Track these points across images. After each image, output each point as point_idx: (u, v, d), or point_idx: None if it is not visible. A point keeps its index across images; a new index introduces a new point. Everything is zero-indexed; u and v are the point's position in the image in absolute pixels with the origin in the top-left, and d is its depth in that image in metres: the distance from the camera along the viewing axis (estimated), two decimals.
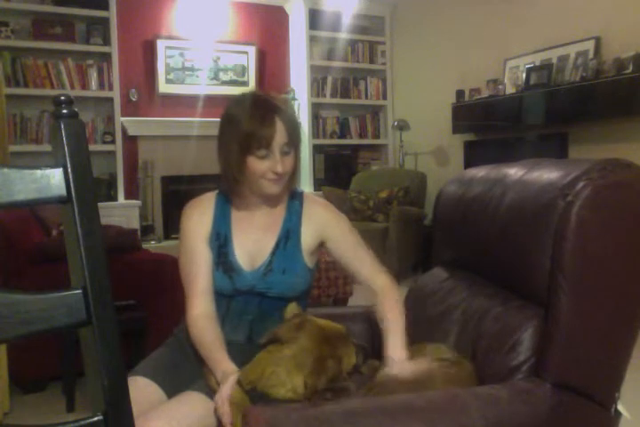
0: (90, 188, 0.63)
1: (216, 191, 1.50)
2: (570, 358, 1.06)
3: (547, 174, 1.17)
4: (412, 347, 1.39)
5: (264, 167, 1.34)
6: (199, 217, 1.45)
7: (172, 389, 1.31)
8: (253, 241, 1.43)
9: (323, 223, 1.46)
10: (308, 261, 1.45)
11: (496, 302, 1.26)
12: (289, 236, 1.43)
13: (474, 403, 1.01)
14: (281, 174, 1.35)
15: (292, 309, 1.37)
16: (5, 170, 0.59)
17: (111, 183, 5.02)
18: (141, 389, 1.29)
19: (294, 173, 1.40)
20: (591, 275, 1.07)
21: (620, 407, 1.10)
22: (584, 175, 1.08)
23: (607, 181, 1.07)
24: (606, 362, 1.09)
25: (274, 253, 1.42)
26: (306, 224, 1.45)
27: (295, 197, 1.49)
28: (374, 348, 1.61)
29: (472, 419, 0.99)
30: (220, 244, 1.42)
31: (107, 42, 4.95)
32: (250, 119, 1.31)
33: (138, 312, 2.41)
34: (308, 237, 1.44)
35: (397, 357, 1.29)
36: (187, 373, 1.35)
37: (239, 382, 1.17)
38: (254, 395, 1.14)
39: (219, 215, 1.45)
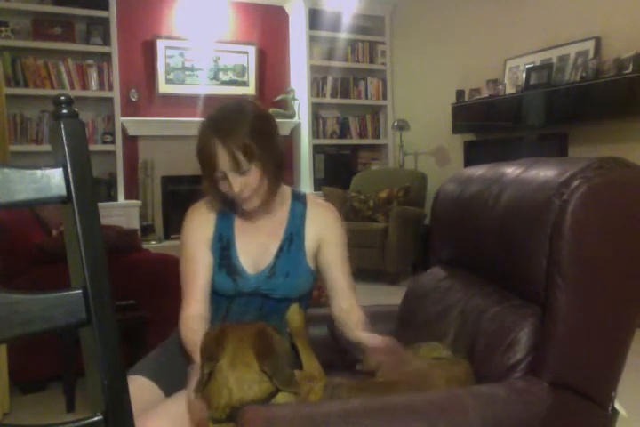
0: (90, 188, 0.63)
1: None
2: (567, 357, 1.07)
3: (543, 173, 1.17)
4: (409, 347, 1.39)
5: (224, 189, 1.35)
6: (201, 219, 1.45)
7: (171, 388, 1.31)
8: (257, 244, 1.43)
9: (325, 224, 1.46)
10: (311, 263, 1.45)
11: (493, 301, 1.26)
12: (292, 239, 1.43)
13: (472, 402, 1.01)
14: (238, 195, 1.33)
15: (293, 310, 1.37)
16: (5, 170, 0.59)
17: (111, 183, 5.02)
18: (140, 388, 1.29)
19: (268, 187, 1.35)
20: (588, 273, 1.07)
21: (617, 406, 1.10)
22: (580, 174, 1.07)
23: (603, 179, 1.07)
24: (603, 361, 1.09)
25: (277, 256, 1.42)
26: (309, 226, 1.45)
27: (298, 200, 1.48)
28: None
29: (470, 419, 0.99)
30: (223, 246, 1.42)
31: (107, 42, 4.95)
32: (197, 146, 1.33)
33: (138, 312, 2.41)
34: (310, 240, 1.44)
35: (377, 340, 1.28)
36: (185, 372, 1.35)
37: (214, 418, 1.12)
38: (237, 414, 1.08)
39: (221, 218, 1.45)
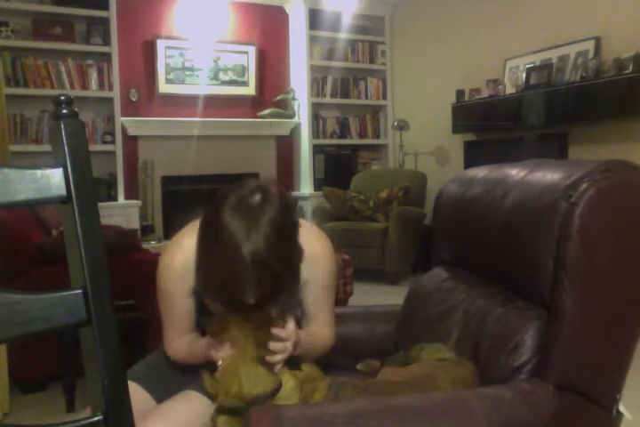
0: (90, 188, 0.63)
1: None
2: (572, 360, 1.06)
3: (549, 175, 1.17)
4: (411, 348, 1.39)
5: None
6: (182, 267, 1.27)
7: (162, 396, 1.29)
8: None
9: (314, 266, 1.33)
10: (299, 295, 1.38)
11: (497, 303, 1.25)
12: None
13: (478, 404, 1.01)
14: None
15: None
16: (5, 170, 0.59)
17: (111, 183, 5.01)
18: (131, 394, 1.27)
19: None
20: (595, 276, 1.07)
21: (622, 408, 1.10)
22: (587, 176, 1.07)
23: (611, 182, 1.07)
24: (608, 363, 1.09)
25: None
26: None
27: None
28: (374, 349, 1.61)
29: (476, 420, 0.98)
30: None
31: (107, 42, 4.94)
32: (220, 268, 1.12)
33: (138, 312, 2.41)
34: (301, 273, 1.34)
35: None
36: (178, 381, 1.34)
37: (220, 409, 1.13)
38: (244, 407, 1.09)
39: None
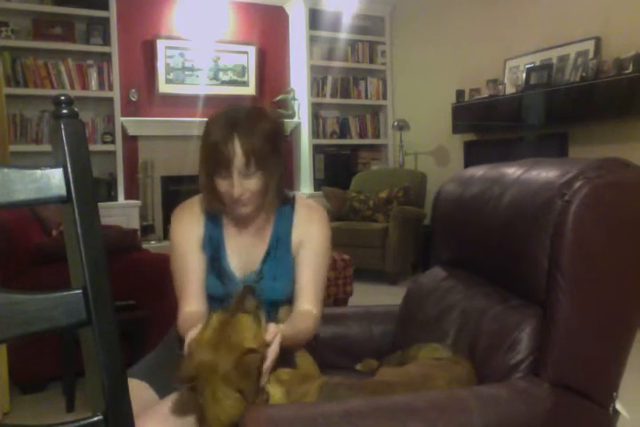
0: (90, 188, 0.63)
1: None
2: (568, 358, 1.07)
3: (545, 173, 1.17)
4: (409, 347, 1.39)
5: (223, 189, 1.32)
6: (191, 219, 1.44)
7: (165, 390, 1.30)
8: (245, 248, 1.42)
9: (308, 227, 1.42)
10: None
11: (494, 302, 1.26)
12: (279, 243, 1.41)
13: (474, 403, 1.01)
14: (237, 198, 1.30)
15: (284, 312, 1.37)
16: (5, 170, 0.59)
17: (111, 183, 5.02)
18: (134, 390, 1.27)
19: (267, 194, 1.34)
20: (589, 274, 1.07)
21: (618, 407, 1.10)
22: (582, 174, 1.08)
23: (605, 180, 1.07)
24: (604, 361, 1.09)
25: (264, 261, 1.41)
26: (296, 229, 1.42)
27: (287, 202, 1.45)
28: (373, 349, 1.62)
29: (472, 419, 0.99)
30: (213, 248, 1.41)
31: (107, 42, 4.95)
32: (208, 139, 1.29)
33: (138, 312, 2.41)
34: (297, 243, 1.42)
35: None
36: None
37: None
38: None
39: (210, 220, 1.43)
